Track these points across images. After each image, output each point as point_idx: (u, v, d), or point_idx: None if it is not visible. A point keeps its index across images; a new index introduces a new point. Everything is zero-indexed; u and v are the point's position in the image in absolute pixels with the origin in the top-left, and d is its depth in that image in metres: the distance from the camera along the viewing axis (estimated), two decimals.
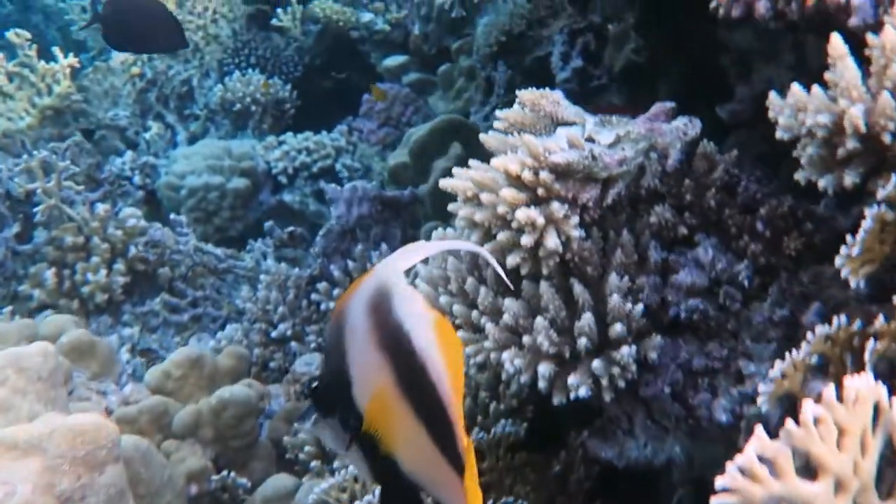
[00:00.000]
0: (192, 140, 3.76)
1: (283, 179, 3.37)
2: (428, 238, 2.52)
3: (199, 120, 3.81)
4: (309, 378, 2.09)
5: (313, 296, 2.39)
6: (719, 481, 0.78)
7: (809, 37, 1.38)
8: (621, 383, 1.31)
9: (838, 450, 0.79)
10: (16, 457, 1.38)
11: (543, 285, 1.34)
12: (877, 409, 0.80)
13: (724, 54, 1.66)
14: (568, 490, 1.60)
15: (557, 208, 1.29)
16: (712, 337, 1.34)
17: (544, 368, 1.31)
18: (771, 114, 1.13)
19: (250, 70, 3.81)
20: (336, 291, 2.34)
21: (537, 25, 2.68)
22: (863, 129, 1.00)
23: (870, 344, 0.95)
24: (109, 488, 1.42)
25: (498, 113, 1.44)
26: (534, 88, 1.42)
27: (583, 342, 1.31)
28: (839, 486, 0.78)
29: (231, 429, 1.92)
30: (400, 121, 3.48)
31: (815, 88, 1.05)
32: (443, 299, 1.47)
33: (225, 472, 1.85)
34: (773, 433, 1.20)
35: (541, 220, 1.27)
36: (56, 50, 3.51)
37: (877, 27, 1.07)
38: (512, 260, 1.31)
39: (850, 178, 1.04)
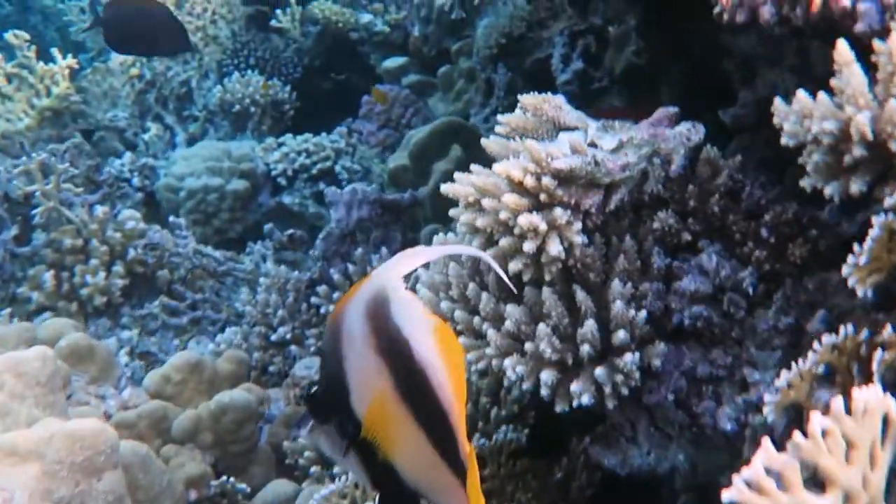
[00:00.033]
0: (191, 141, 3.75)
1: (283, 181, 3.36)
2: (428, 241, 2.53)
3: (198, 121, 3.80)
4: (307, 383, 2.08)
5: (313, 299, 2.38)
6: (726, 494, 0.77)
7: (814, 41, 1.37)
8: (624, 391, 1.30)
9: (847, 463, 0.78)
10: (14, 462, 1.37)
11: (546, 291, 1.34)
12: (886, 421, 0.79)
13: (728, 59, 1.65)
14: (570, 497, 1.59)
15: (560, 214, 1.28)
16: (716, 344, 1.33)
17: (547, 376, 1.30)
18: (776, 120, 1.12)
19: (249, 71, 3.80)
20: (336, 295, 2.33)
21: (537, 27, 2.67)
22: (870, 136, 0.99)
23: (877, 354, 0.95)
24: (108, 495, 1.42)
25: (500, 117, 1.43)
26: (536, 93, 1.41)
27: (585, 349, 1.30)
28: (848, 500, 0.77)
29: (230, 434, 1.90)
30: (400, 122, 3.47)
31: (822, 95, 1.04)
32: (444, 305, 1.46)
33: (224, 478, 1.84)
34: (778, 442, 1.19)
35: (543, 226, 1.26)
36: (55, 51, 3.50)
37: (883, 33, 1.06)
38: (514, 266, 1.30)
39: (856, 186, 1.03)
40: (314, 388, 0.94)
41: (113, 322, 2.65)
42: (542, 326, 1.31)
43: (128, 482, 1.55)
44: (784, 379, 1.03)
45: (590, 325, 1.30)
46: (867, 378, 1.02)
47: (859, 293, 0.99)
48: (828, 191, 1.06)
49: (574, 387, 1.30)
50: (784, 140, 1.10)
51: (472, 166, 1.39)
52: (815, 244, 1.32)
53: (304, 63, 3.93)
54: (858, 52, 1.05)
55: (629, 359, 1.29)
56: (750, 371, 1.29)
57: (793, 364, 1.04)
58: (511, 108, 2.89)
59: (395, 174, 2.90)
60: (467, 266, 1.46)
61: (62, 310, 2.57)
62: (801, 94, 1.07)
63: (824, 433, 0.79)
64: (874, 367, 0.94)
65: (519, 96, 1.42)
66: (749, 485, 0.76)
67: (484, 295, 1.39)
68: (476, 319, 1.40)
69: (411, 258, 0.85)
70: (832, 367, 1.04)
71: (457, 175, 1.38)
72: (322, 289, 2.35)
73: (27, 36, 3.45)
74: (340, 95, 3.84)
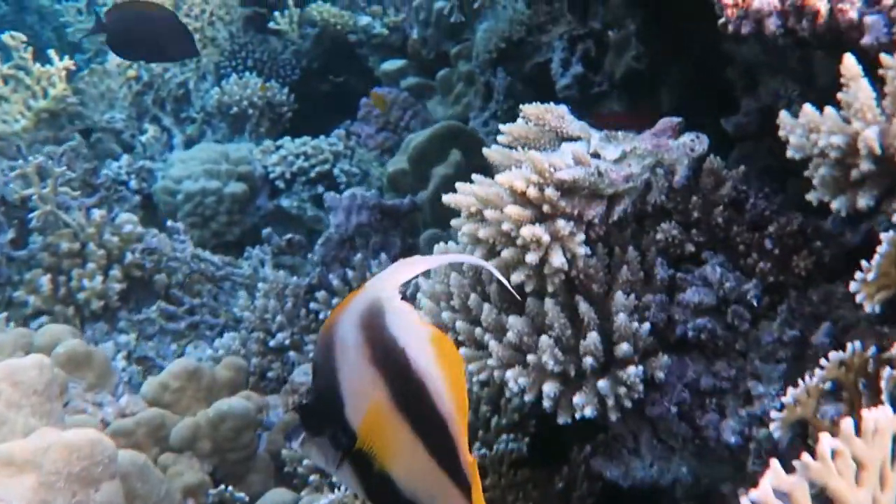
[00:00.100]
0: (189, 143, 3.73)
1: (281, 184, 3.34)
2: (428, 246, 2.52)
3: (196, 123, 3.78)
4: (300, 395, 2.07)
5: (312, 305, 2.37)
6: None
7: (818, 50, 1.36)
8: (627, 403, 1.29)
9: (856, 484, 0.77)
10: (11, 473, 1.36)
11: (548, 303, 1.33)
12: None
13: (730, 66, 1.65)
14: None
15: (563, 225, 1.27)
16: (720, 356, 1.33)
17: (549, 388, 1.29)
18: (782, 132, 1.11)
19: (247, 73, 3.79)
20: (335, 300, 2.32)
21: (537, 31, 2.66)
22: (878, 150, 0.98)
23: (886, 371, 0.94)
24: None
25: (501, 127, 1.42)
26: (537, 103, 1.40)
27: (588, 361, 1.29)
28: None
29: (229, 442, 1.89)
30: (398, 125, 3.45)
31: (829, 109, 1.03)
32: (445, 315, 1.45)
33: (223, 487, 1.83)
34: (782, 455, 1.18)
35: (546, 238, 1.26)
36: (52, 52, 3.48)
37: (890, 46, 1.05)
38: (517, 277, 1.29)
39: (864, 201, 1.02)
40: (306, 400, 0.93)
41: (110, 326, 2.64)
42: (544, 338, 1.30)
43: (125, 492, 1.54)
44: (791, 395, 1.02)
45: (593, 338, 1.29)
46: (874, 394, 1.01)
47: (867, 309, 0.99)
48: (835, 205, 1.05)
49: (577, 399, 1.29)
50: (790, 153, 1.09)
51: (474, 176, 1.38)
52: (820, 256, 1.31)
53: (302, 65, 3.92)
54: (865, 65, 1.05)
55: (632, 371, 1.28)
56: (754, 384, 1.28)
57: (799, 380, 1.03)
58: (510, 112, 2.89)
59: (394, 178, 2.89)
60: (469, 276, 1.45)
61: (59, 314, 2.56)
62: (808, 108, 1.06)
63: (834, 454, 0.78)
64: (882, 384, 0.93)
65: (521, 106, 1.41)
66: None
67: (486, 305, 1.38)
68: (478, 330, 1.39)
69: (407, 268, 0.85)
70: (839, 382, 1.03)
71: (458, 185, 1.37)
72: (321, 294, 2.34)
73: (24, 37, 3.44)
74: (339, 98, 3.83)
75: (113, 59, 3.87)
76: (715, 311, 1.33)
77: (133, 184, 3.35)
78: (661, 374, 1.31)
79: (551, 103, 1.41)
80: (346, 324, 0.84)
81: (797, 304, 1.30)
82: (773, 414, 1.04)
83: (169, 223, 2.89)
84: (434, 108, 3.39)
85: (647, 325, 1.32)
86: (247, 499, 1.85)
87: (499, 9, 2.80)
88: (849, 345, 1.02)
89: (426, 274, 1.55)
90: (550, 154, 1.33)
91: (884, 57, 1.01)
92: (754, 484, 0.79)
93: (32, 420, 1.54)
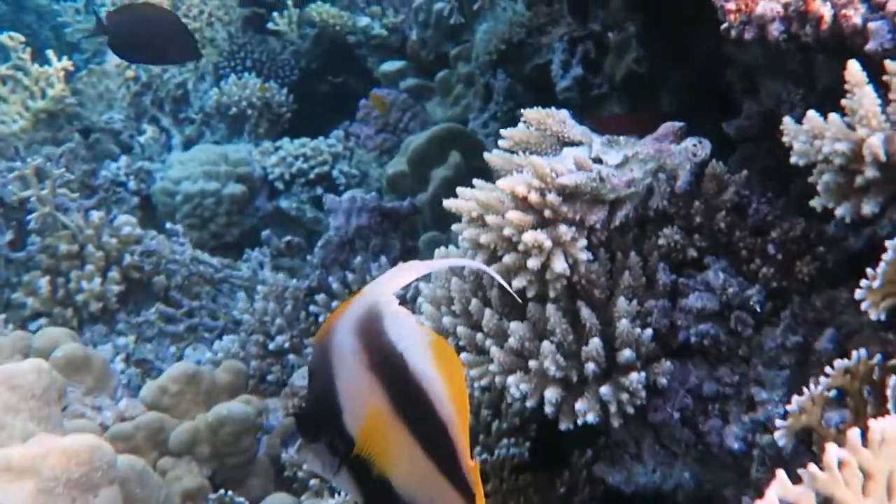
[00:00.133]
0: (188, 144, 3.73)
1: (280, 185, 3.34)
2: (427, 248, 2.51)
3: (195, 124, 3.77)
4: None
5: (311, 307, 2.36)
6: None
7: (819, 54, 1.36)
8: (630, 409, 1.29)
9: (864, 495, 0.77)
10: (9, 479, 1.36)
11: (550, 308, 1.32)
12: None
13: (731, 69, 1.64)
14: None
15: (565, 231, 1.27)
16: (723, 362, 1.32)
17: (551, 394, 1.29)
18: (785, 138, 1.10)
19: (246, 74, 3.78)
20: (334, 303, 2.31)
21: (536, 33, 2.65)
22: (883, 157, 0.97)
23: (892, 380, 0.93)
24: None
25: (503, 132, 1.41)
26: (539, 108, 1.39)
27: (590, 367, 1.29)
28: None
29: (228, 446, 1.89)
30: (397, 126, 3.45)
31: (833, 116, 1.03)
32: (446, 320, 1.44)
33: (222, 491, 1.82)
34: (786, 462, 1.18)
35: (548, 243, 1.25)
36: (50, 53, 3.47)
37: (895, 52, 1.05)
38: (518, 282, 1.29)
39: (868, 207, 1.01)
40: (302, 407, 0.93)
41: (108, 328, 2.63)
42: (546, 344, 1.29)
43: (124, 497, 1.53)
44: (796, 404, 1.02)
45: (595, 344, 1.28)
46: (880, 401, 1.01)
47: (872, 316, 0.98)
48: (839, 211, 1.04)
49: (579, 405, 1.28)
50: (794, 159, 1.09)
51: (475, 181, 1.38)
52: (823, 261, 1.31)
53: (301, 66, 3.91)
54: (868, 70, 1.04)
55: (635, 378, 1.27)
56: (757, 390, 1.28)
57: (804, 388, 1.02)
58: (510, 113, 2.89)
59: (393, 180, 2.88)
60: (470, 281, 1.44)
61: (57, 315, 2.55)
62: (812, 115, 1.05)
63: (840, 464, 0.77)
64: (889, 392, 0.93)
65: (522, 110, 1.40)
66: None
67: (487, 311, 1.38)
68: (479, 335, 1.38)
69: (404, 273, 0.84)
70: (844, 390, 1.03)
71: (459, 190, 1.36)
72: (321, 297, 2.33)
73: (22, 38, 3.43)
74: (338, 98, 3.82)
75: (111, 60, 3.86)
76: (718, 317, 1.33)
77: (132, 185, 3.35)
78: (663, 380, 1.30)
79: (553, 108, 1.40)
80: (342, 330, 0.83)
81: (800, 309, 1.29)
82: (778, 422, 1.03)
83: (168, 225, 2.89)
84: (433, 110, 3.38)
85: (649, 331, 1.31)
86: (246, 503, 1.84)
87: (498, 10, 2.79)
88: (854, 353, 1.02)
89: (427, 278, 1.55)
90: (552, 159, 1.32)
91: (888, 63, 1.01)
92: (759, 492, 0.79)
93: (31, 425, 1.54)
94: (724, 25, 1.18)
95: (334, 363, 0.84)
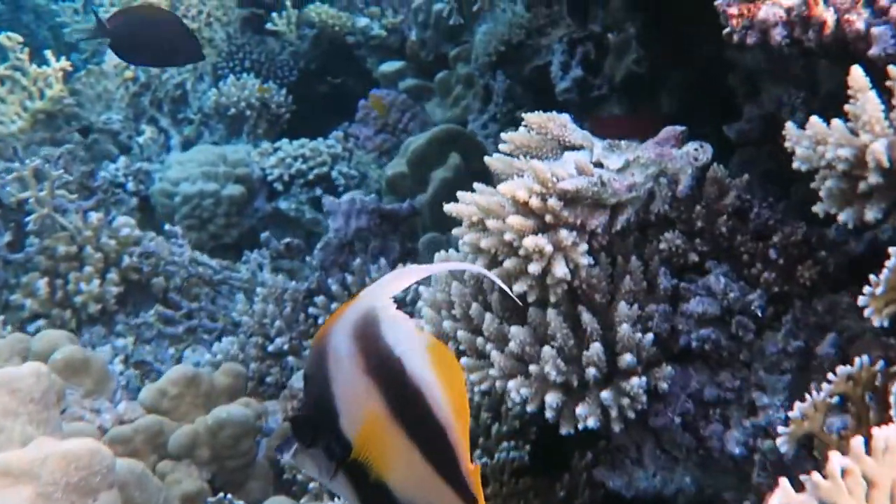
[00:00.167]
0: (186, 144, 3.72)
1: (279, 187, 3.33)
2: (427, 249, 2.51)
3: (193, 124, 3.76)
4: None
5: (311, 309, 2.36)
6: None
7: (822, 59, 1.35)
8: (631, 414, 1.28)
9: (867, 503, 0.77)
10: (8, 483, 1.35)
11: (551, 313, 1.32)
12: None
13: (733, 73, 1.64)
14: None
15: (566, 235, 1.26)
16: (724, 367, 1.32)
17: (552, 398, 1.29)
18: (788, 144, 1.10)
19: (245, 74, 3.77)
20: (334, 305, 2.31)
21: (536, 34, 2.65)
22: (886, 163, 0.97)
23: (894, 386, 0.93)
24: None
25: (503, 136, 1.41)
26: (540, 111, 1.39)
27: (591, 372, 1.28)
28: None
29: (228, 449, 1.88)
30: (397, 127, 3.44)
31: (836, 122, 1.02)
32: (446, 324, 1.44)
33: (221, 494, 1.82)
34: (787, 467, 1.17)
35: (549, 248, 1.25)
36: (48, 53, 3.47)
37: None
38: (519, 287, 1.28)
39: (871, 213, 1.01)
40: (298, 412, 0.93)
41: (107, 330, 2.63)
42: (547, 349, 1.29)
43: (123, 501, 1.53)
44: (798, 410, 1.01)
45: (596, 348, 1.28)
46: (882, 408, 1.01)
47: (875, 323, 0.98)
48: (842, 217, 1.04)
49: (580, 410, 1.28)
50: (796, 164, 1.08)
51: (476, 185, 1.37)
52: (825, 265, 1.31)
53: (299, 66, 3.90)
54: (872, 76, 1.04)
55: (636, 382, 1.27)
56: (758, 394, 1.28)
57: (806, 395, 1.02)
58: (509, 115, 2.88)
59: (393, 181, 2.87)
60: (470, 285, 1.44)
61: (56, 317, 2.55)
62: (815, 120, 1.05)
63: (844, 472, 0.77)
64: (891, 399, 0.92)
65: (523, 114, 1.40)
66: None
67: (487, 315, 1.37)
68: (479, 340, 1.38)
69: (400, 278, 0.84)
70: (846, 396, 1.03)
71: (460, 194, 1.36)
72: (320, 299, 2.32)
73: (20, 38, 3.42)
74: (337, 99, 3.81)
75: (110, 60, 3.85)
76: (719, 322, 1.32)
77: (130, 186, 3.34)
78: (664, 385, 1.30)
79: (553, 110, 1.40)
80: (338, 334, 0.83)
81: (802, 314, 1.29)
82: (780, 429, 1.03)
83: (167, 227, 2.88)
84: (433, 110, 3.38)
85: (650, 336, 1.31)
86: None
87: (498, 11, 2.79)
88: (856, 359, 1.02)
89: (427, 282, 1.55)
90: (553, 163, 1.32)
91: (891, 68, 1.00)
92: (760, 497, 0.79)
93: (30, 428, 1.53)
94: (727, 30, 1.18)
95: (331, 367, 0.84)
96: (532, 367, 1.30)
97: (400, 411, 0.82)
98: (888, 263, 0.96)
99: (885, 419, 0.99)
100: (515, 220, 1.25)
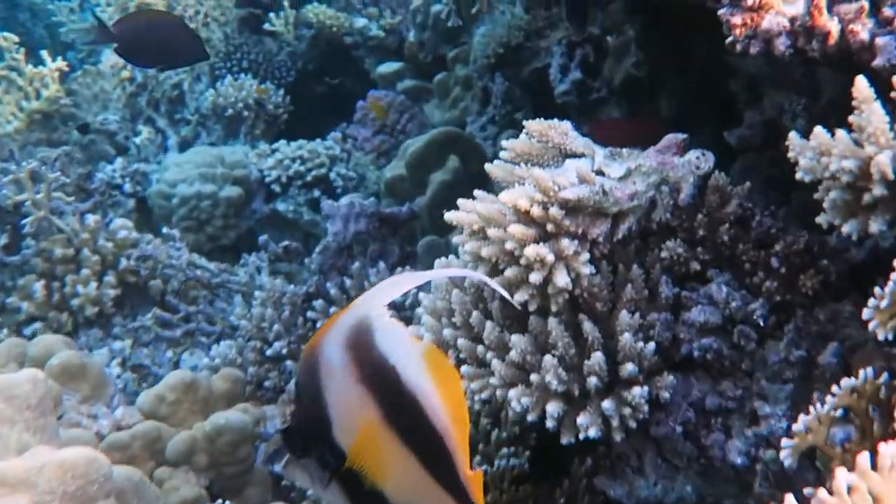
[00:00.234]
0: (183, 145, 3.70)
1: (277, 188, 3.32)
2: (426, 253, 2.50)
3: (191, 125, 3.75)
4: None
5: (309, 313, 2.34)
6: None
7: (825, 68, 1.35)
8: (632, 423, 1.28)
9: None
10: (4, 493, 1.34)
11: (552, 322, 1.31)
12: None
13: (734, 79, 1.63)
14: None
15: (567, 245, 1.26)
16: (726, 376, 1.31)
17: (553, 408, 1.28)
18: (791, 154, 1.09)
19: (242, 75, 3.76)
20: (332, 309, 2.30)
21: (535, 37, 2.64)
22: (890, 175, 0.97)
23: None
24: None
25: (504, 143, 1.40)
26: (541, 119, 1.38)
27: (592, 381, 1.28)
28: None
29: (226, 455, 1.87)
30: (395, 128, 3.43)
31: (840, 133, 1.02)
32: (447, 332, 1.43)
33: (219, 501, 1.81)
34: (790, 477, 1.17)
35: (550, 257, 1.24)
36: (44, 53, 3.45)
37: None
38: (520, 296, 1.28)
39: (876, 225, 1.01)
40: (290, 423, 0.92)
41: (104, 333, 2.61)
42: (548, 358, 1.28)
43: None
44: (802, 423, 1.01)
45: (597, 358, 1.27)
46: (886, 420, 1.00)
47: (880, 336, 0.97)
48: (846, 229, 1.04)
49: (581, 419, 1.28)
50: (799, 175, 1.08)
51: (476, 192, 1.37)
52: (827, 274, 1.30)
53: (297, 67, 3.89)
54: (876, 87, 1.03)
55: (637, 391, 1.27)
56: (760, 404, 1.27)
57: (810, 408, 1.02)
58: (508, 117, 2.87)
59: (391, 184, 2.87)
60: (470, 293, 1.43)
61: (52, 320, 2.54)
62: (819, 131, 1.04)
63: (850, 489, 0.76)
64: None
65: (525, 121, 1.39)
66: None
67: (488, 323, 1.37)
68: (479, 348, 1.37)
69: (394, 286, 0.84)
70: (850, 409, 1.02)
71: (461, 202, 1.35)
72: (318, 303, 2.31)
73: (16, 38, 3.41)
74: (335, 100, 3.80)
75: (107, 60, 3.84)
76: (721, 331, 1.32)
77: (127, 187, 3.33)
78: (665, 394, 1.30)
79: (555, 119, 1.39)
80: (331, 344, 0.83)
81: (804, 323, 1.28)
82: (784, 442, 1.02)
83: (164, 229, 2.87)
84: (431, 112, 3.37)
85: (651, 345, 1.30)
86: None
87: (497, 13, 2.78)
88: (860, 371, 1.01)
89: (427, 290, 1.54)
90: (554, 171, 1.31)
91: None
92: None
93: (26, 436, 1.52)
94: (730, 39, 1.17)
95: (323, 377, 0.83)
96: (533, 376, 1.30)
97: (396, 419, 0.81)
98: (893, 276, 0.96)
99: (889, 432, 0.98)
100: (517, 230, 1.24)
